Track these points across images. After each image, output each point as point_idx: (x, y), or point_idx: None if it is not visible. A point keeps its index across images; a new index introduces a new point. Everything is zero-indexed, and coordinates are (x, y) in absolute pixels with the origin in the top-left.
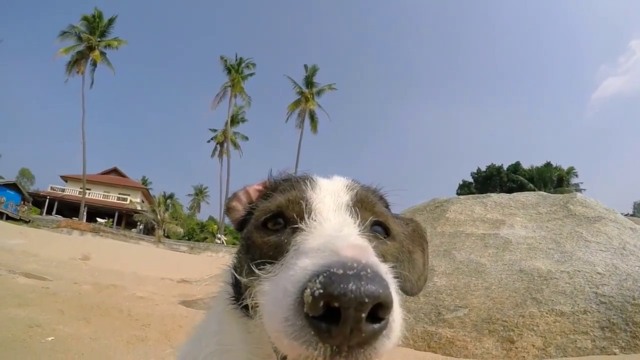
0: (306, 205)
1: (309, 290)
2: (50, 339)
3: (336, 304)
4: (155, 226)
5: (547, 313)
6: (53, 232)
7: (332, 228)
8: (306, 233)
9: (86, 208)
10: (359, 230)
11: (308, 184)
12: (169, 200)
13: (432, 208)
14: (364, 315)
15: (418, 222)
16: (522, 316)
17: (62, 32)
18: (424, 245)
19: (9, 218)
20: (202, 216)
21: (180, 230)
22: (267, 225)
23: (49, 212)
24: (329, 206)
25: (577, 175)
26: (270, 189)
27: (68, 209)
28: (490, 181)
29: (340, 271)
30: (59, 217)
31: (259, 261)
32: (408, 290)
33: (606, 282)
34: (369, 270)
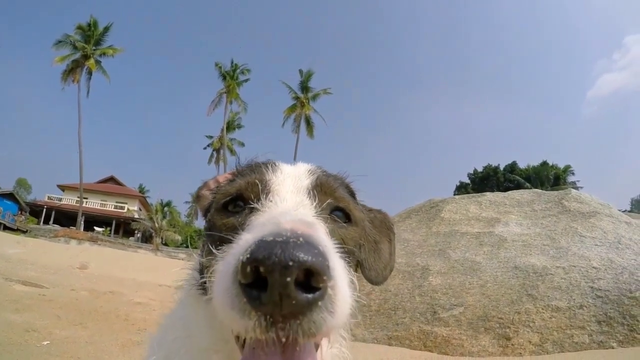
0: (264, 186)
1: (240, 257)
2: (46, 342)
3: (262, 269)
4: (153, 234)
5: (543, 309)
6: (51, 241)
7: (287, 208)
8: (261, 213)
9: (83, 217)
10: (316, 212)
11: (269, 167)
12: (166, 208)
13: (428, 208)
14: (288, 279)
15: (386, 213)
16: (518, 313)
17: (57, 41)
18: (390, 236)
19: (6, 228)
20: (200, 223)
21: (178, 237)
22: (227, 208)
23: (46, 222)
24: (288, 188)
25: (573, 173)
26: (235, 175)
27: (65, 218)
28: (487, 181)
29: (270, 238)
30: (57, 227)
31: (218, 242)
32: (373, 279)
33: (602, 276)
34: (300, 239)
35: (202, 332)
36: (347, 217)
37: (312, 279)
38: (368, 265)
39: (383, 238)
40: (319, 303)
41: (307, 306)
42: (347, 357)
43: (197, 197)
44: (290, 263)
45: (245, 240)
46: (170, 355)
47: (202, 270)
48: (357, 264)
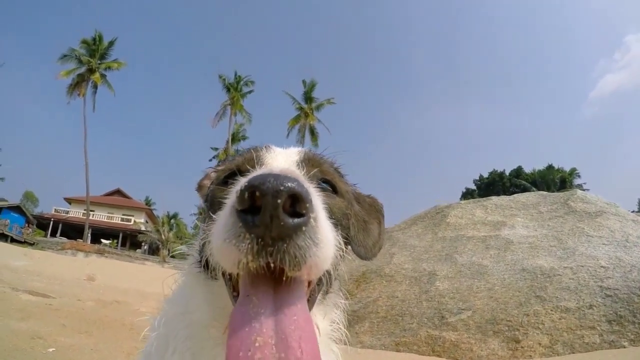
0: (258, 159)
1: (239, 187)
2: (51, 350)
3: (257, 193)
4: (160, 246)
5: (552, 310)
6: (58, 253)
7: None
8: None
9: (90, 229)
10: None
11: (264, 148)
12: (172, 220)
13: (433, 214)
14: (279, 201)
15: (375, 198)
16: (527, 315)
17: (63, 55)
18: (380, 219)
19: (13, 240)
20: None
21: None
22: (226, 182)
23: (53, 234)
24: (279, 161)
25: (579, 176)
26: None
27: (72, 230)
28: (493, 187)
29: (265, 172)
30: (64, 239)
31: (218, 210)
32: (362, 254)
33: (610, 275)
34: (288, 175)
35: (201, 308)
36: (334, 189)
37: (296, 205)
38: (357, 242)
39: (372, 219)
40: (303, 228)
41: (293, 229)
42: (344, 339)
43: (199, 187)
44: (281, 188)
45: (240, 183)
46: (170, 332)
47: (202, 250)
48: (346, 237)
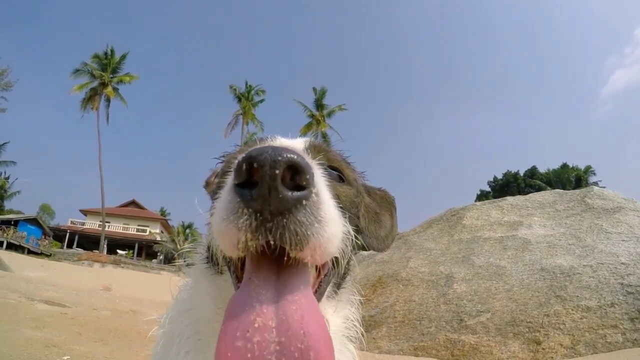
0: None
1: (237, 160)
2: (65, 357)
3: (255, 165)
4: (176, 256)
5: (572, 310)
6: (74, 264)
7: None
8: None
9: (106, 240)
10: None
11: (270, 138)
12: (188, 230)
13: (449, 217)
14: (277, 171)
15: (387, 191)
16: (547, 315)
17: (75, 70)
18: (392, 211)
19: (30, 252)
20: None
21: None
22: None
23: (69, 246)
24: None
25: (595, 174)
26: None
27: (88, 242)
28: (507, 188)
29: (264, 145)
30: (80, 250)
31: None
32: (375, 246)
33: (631, 271)
34: (288, 148)
35: (205, 304)
36: (341, 177)
37: (297, 178)
38: (369, 233)
39: (384, 211)
40: (304, 202)
41: (293, 203)
42: (360, 337)
43: (207, 184)
44: (279, 158)
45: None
46: (175, 329)
47: (208, 244)
48: (356, 227)
